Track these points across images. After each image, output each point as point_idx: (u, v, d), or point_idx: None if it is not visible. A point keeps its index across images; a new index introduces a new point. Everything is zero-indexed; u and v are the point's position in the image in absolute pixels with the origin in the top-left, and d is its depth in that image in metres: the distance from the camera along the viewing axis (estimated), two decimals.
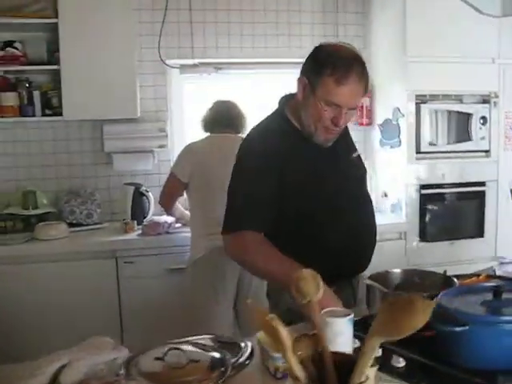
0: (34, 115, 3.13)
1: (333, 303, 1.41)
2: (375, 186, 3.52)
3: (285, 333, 0.88)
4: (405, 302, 0.78)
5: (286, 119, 1.75)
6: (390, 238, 3.22)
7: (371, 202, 1.91)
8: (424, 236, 3.22)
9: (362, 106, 3.57)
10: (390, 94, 3.36)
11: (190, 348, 1.34)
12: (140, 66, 3.36)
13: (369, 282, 1.56)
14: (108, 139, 3.30)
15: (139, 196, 3.23)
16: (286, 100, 1.78)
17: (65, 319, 2.83)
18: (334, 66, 1.57)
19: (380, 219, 3.34)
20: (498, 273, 1.93)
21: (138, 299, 2.94)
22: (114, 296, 2.94)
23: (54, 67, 3.04)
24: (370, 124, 3.59)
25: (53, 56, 3.08)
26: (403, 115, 3.19)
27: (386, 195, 3.43)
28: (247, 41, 3.52)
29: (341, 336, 1.25)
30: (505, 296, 1.35)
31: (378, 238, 3.07)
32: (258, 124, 1.80)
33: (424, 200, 3.21)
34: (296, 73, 1.72)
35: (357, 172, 1.84)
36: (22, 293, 2.83)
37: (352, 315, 1.27)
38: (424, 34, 3.05)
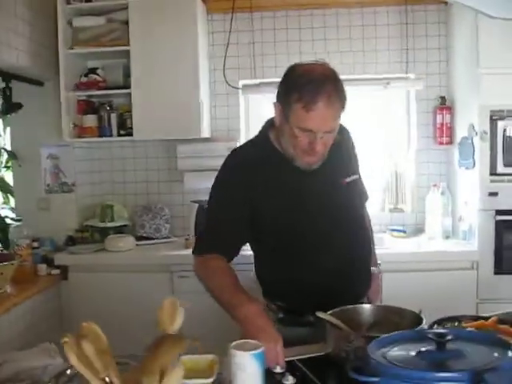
0: (111, 135, 3.39)
1: (259, 334, 1.33)
2: (452, 210, 3.24)
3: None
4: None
5: (268, 142, 1.71)
6: (461, 267, 2.94)
7: (364, 227, 1.80)
8: (499, 267, 2.88)
9: (441, 124, 3.32)
10: (466, 111, 3.08)
11: None
12: (213, 87, 3.50)
13: (322, 315, 1.44)
14: (181, 158, 3.45)
15: (202, 213, 3.32)
16: (271, 123, 1.74)
17: (123, 328, 3.00)
18: (300, 92, 1.50)
19: (451, 246, 3.09)
20: None
21: (193, 314, 3.01)
22: None
23: (128, 91, 3.27)
24: (450, 143, 3.32)
25: (128, 80, 3.32)
26: (477, 133, 2.90)
27: (461, 219, 3.13)
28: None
29: (242, 371, 1.19)
30: (450, 346, 1.17)
31: (447, 266, 2.89)
32: (241, 145, 1.78)
33: (500, 227, 2.87)
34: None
35: (346, 197, 1.72)
36: (88, 299, 3.07)
37: (258, 351, 1.20)
38: (498, 43, 2.76)
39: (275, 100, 1.62)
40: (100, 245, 3.27)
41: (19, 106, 3.12)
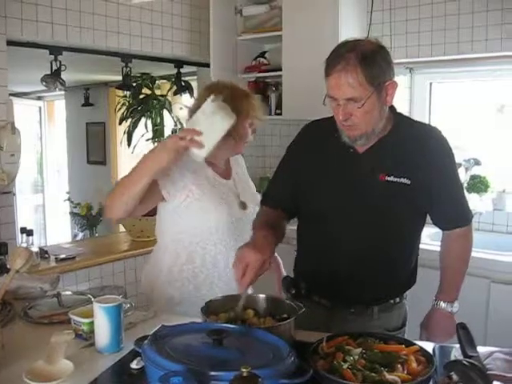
0: (270, 114, 3.70)
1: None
2: None
3: None
4: None
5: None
6: None
7: (403, 241, 1.72)
8: None
9: None
10: None
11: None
12: None
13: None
14: None
15: None
16: None
17: None
18: (327, 59, 1.56)
19: None
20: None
21: None
22: None
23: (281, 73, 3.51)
24: None
25: None
26: None
27: None
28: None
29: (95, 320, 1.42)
30: (228, 344, 1.16)
31: None
32: (321, 119, 1.81)
33: None
34: None
35: (380, 195, 1.63)
36: None
37: (108, 305, 1.38)
38: None
39: None
40: None
41: (188, 86, 3.68)
